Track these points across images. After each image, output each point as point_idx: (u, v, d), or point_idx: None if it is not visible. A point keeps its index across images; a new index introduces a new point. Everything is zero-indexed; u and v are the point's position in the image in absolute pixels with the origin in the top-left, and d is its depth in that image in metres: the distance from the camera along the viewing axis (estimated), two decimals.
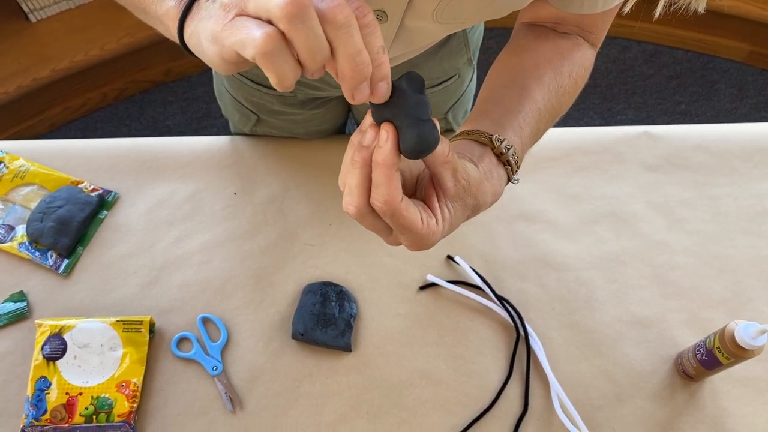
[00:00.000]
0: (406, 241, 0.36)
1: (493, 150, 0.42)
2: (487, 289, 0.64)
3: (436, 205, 0.37)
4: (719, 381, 0.61)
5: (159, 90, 1.50)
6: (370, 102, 0.32)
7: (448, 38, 0.63)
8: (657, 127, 0.76)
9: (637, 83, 1.54)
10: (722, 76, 1.55)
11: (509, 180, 0.44)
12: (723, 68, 1.56)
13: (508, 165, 0.42)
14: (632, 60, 1.59)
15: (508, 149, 0.42)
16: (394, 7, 0.45)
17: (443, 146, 0.35)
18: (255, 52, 0.27)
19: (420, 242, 0.36)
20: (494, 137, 0.42)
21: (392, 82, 0.32)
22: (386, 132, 0.32)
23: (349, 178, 0.34)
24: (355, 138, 0.34)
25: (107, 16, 1.36)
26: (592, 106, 1.52)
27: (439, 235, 0.37)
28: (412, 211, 0.34)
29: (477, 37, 0.67)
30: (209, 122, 1.48)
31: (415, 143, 0.33)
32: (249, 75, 0.66)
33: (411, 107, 0.32)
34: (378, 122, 0.34)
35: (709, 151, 0.74)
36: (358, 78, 0.29)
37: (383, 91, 0.31)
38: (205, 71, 1.53)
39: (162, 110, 1.48)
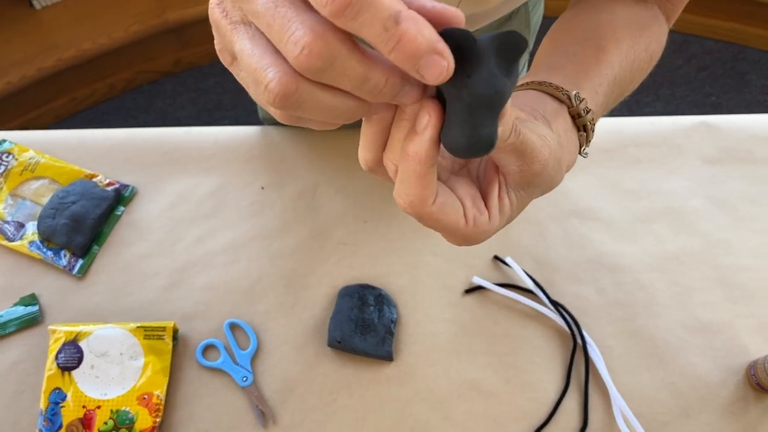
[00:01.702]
0: (444, 236, 0.29)
1: (569, 110, 0.34)
2: (541, 293, 0.58)
3: (495, 195, 0.29)
4: None
5: (168, 81, 1.45)
6: None
7: (510, 18, 0.58)
8: (715, 117, 0.71)
9: (666, 74, 1.49)
10: (754, 67, 1.50)
11: (579, 151, 0.36)
12: (754, 59, 1.51)
13: (584, 131, 0.34)
14: None
15: (587, 112, 0.34)
16: None
17: (504, 128, 0.26)
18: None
19: (461, 241, 0.29)
20: (573, 94, 0.34)
21: (473, 35, 0.22)
22: (427, 117, 0.23)
23: (396, 128, 0.25)
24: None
25: (115, 2, 1.30)
26: None
27: (490, 233, 0.29)
28: (450, 213, 0.27)
29: (536, 22, 0.62)
30: (220, 114, 1.43)
31: (461, 145, 0.24)
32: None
33: (477, 87, 0.22)
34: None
35: None
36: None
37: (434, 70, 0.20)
38: (217, 62, 1.47)
39: (171, 102, 1.43)
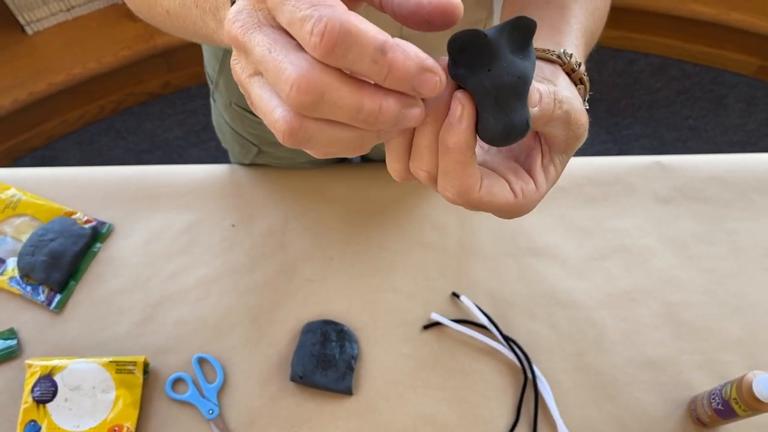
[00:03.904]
0: (497, 215, 0.30)
1: (563, 67, 0.34)
2: (494, 329, 0.61)
3: (539, 165, 0.30)
4: (734, 428, 0.58)
5: (157, 102, 1.48)
6: (448, 48, 0.24)
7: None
8: (669, 156, 0.74)
9: (645, 97, 1.52)
10: (731, 91, 1.53)
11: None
12: (732, 83, 1.54)
13: (581, 84, 0.34)
14: (639, 73, 1.56)
15: (579, 65, 0.34)
16: None
17: (547, 101, 0.27)
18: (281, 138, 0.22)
19: (511, 215, 0.30)
20: (561, 52, 0.34)
21: (483, 32, 0.24)
22: (461, 108, 0.24)
23: (417, 136, 0.26)
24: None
25: (104, 28, 1.33)
26: (599, 121, 1.50)
27: (539, 200, 0.30)
28: (498, 193, 0.28)
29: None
30: (208, 135, 1.46)
31: (498, 133, 0.25)
32: (251, 109, 0.63)
33: (499, 78, 0.24)
34: (455, 80, 0.25)
35: (724, 182, 0.72)
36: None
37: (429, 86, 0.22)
38: (204, 83, 1.51)
39: (160, 123, 1.46)
